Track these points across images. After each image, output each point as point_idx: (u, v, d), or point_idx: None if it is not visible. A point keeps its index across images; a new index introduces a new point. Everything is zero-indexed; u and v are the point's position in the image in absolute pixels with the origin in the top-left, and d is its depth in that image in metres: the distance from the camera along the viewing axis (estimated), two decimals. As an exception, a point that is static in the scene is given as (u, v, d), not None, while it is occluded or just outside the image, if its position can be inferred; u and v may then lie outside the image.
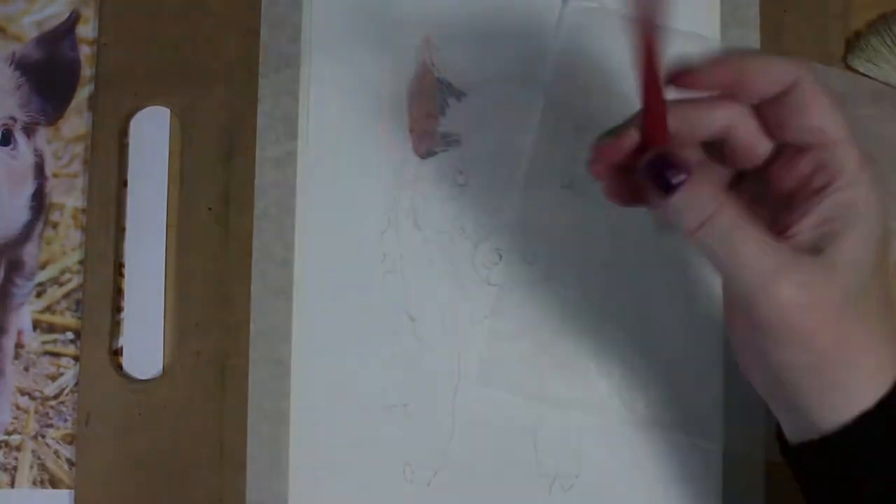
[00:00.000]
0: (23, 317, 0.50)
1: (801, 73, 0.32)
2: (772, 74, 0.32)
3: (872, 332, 0.32)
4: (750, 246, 0.30)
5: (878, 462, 0.32)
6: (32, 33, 0.52)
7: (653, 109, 0.30)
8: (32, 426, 0.49)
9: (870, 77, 0.48)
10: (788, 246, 0.31)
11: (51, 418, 0.49)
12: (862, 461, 0.32)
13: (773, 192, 0.33)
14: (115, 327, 0.49)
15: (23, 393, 0.50)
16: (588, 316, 0.47)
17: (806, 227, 0.32)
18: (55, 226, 0.51)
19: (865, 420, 0.32)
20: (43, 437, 0.49)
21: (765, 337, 0.32)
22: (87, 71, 0.52)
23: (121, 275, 0.50)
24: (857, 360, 0.32)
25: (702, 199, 0.31)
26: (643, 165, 0.31)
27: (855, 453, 0.32)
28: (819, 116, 0.32)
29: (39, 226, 0.51)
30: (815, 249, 0.31)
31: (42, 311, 0.50)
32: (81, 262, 0.50)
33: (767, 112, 0.33)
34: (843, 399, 0.32)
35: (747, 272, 0.31)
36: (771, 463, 0.45)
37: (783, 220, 0.33)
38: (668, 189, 0.30)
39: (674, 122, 0.32)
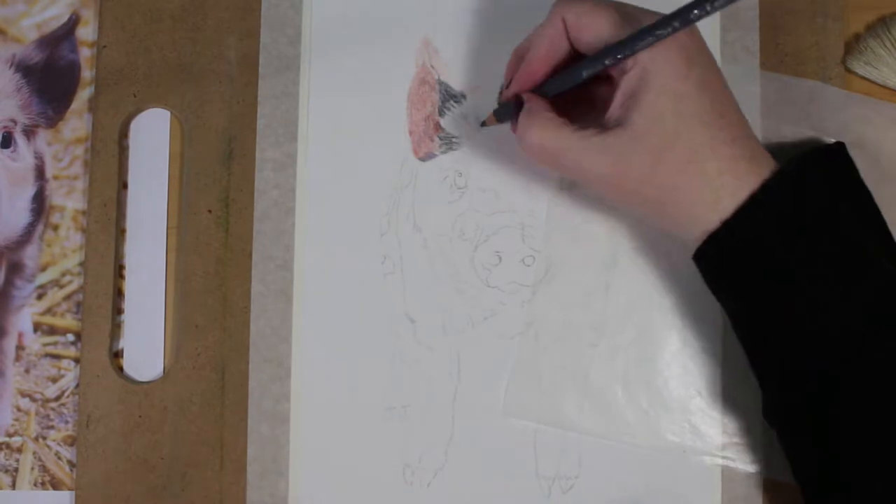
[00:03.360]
0: (23, 319, 0.50)
1: (556, 18, 0.41)
2: (542, 45, 0.42)
3: (703, 165, 0.38)
4: (562, 138, 0.40)
5: (746, 262, 0.38)
6: (32, 36, 0.52)
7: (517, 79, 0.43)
8: (33, 428, 0.49)
9: (869, 80, 0.48)
10: (598, 128, 0.39)
11: (52, 420, 0.49)
12: (733, 263, 0.39)
13: (600, 112, 0.41)
14: (116, 329, 0.49)
15: (24, 395, 0.50)
16: (599, 333, 0.47)
17: (614, 110, 0.39)
18: (56, 228, 0.51)
19: (717, 235, 0.38)
20: (44, 438, 0.49)
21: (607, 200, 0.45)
22: (87, 73, 0.52)
23: (121, 277, 0.50)
24: (687, 196, 0.38)
25: (531, 115, 0.41)
26: (500, 113, 0.45)
27: (720, 258, 0.39)
28: (585, 25, 0.40)
29: (40, 228, 0.51)
30: (623, 123, 0.39)
31: (43, 314, 0.50)
32: (82, 265, 0.50)
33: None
34: (692, 223, 0.39)
35: (566, 160, 0.40)
36: (768, 478, 0.46)
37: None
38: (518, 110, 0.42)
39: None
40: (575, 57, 0.42)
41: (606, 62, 0.39)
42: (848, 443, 0.38)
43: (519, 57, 0.43)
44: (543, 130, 0.40)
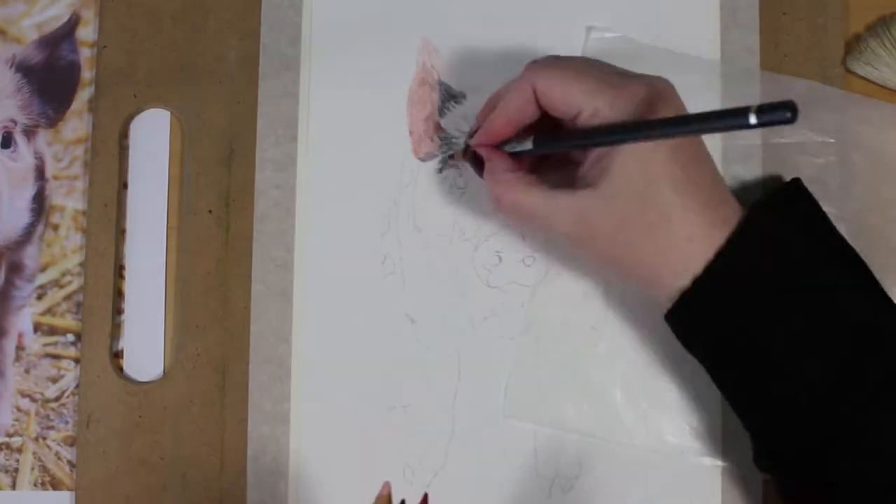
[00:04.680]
0: (23, 319, 0.50)
1: (526, 84, 0.41)
2: (509, 108, 0.42)
3: (671, 230, 0.38)
4: (532, 198, 0.40)
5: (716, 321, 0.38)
6: (33, 36, 0.52)
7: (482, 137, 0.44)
8: (33, 428, 0.49)
9: (869, 80, 0.48)
10: (567, 189, 0.39)
11: (52, 420, 0.50)
12: (705, 321, 0.39)
13: (574, 166, 0.41)
14: (116, 329, 0.49)
15: (24, 395, 0.50)
16: (600, 335, 0.47)
17: (586, 170, 0.39)
18: (56, 228, 0.51)
19: (687, 296, 0.38)
20: (44, 439, 0.49)
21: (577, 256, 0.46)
22: (87, 73, 0.52)
23: (121, 277, 0.50)
24: (653, 259, 0.39)
25: (494, 175, 0.42)
26: (469, 157, 0.46)
27: (691, 317, 0.39)
28: (557, 96, 0.40)
29: (40, 228, 0.51)
30: (593, 184, 0.39)
31: (43, 314, 0.50)
32: (82, 265, 0.50)
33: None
34: (660, 285, 0.39)
35: (535, 219, 0.40)
36: (769, 480, 0.45)
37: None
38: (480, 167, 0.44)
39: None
40: (543, 120, 0.42)
41: (582, 144, 0.40)
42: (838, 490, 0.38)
43: (492, 105, 0.43)
44: (510, 191, 0.41)
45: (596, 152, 0.39)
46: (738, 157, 0.47)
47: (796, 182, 0.41)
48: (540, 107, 0.41)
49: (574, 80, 0.40)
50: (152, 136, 0.51)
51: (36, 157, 0.51)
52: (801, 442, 0.38)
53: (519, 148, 0.42)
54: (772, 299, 0.37)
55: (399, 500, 0.42)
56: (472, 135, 0.45)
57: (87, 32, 0.52)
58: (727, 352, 0.39)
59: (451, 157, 0.48)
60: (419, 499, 0.42)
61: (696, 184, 0.38)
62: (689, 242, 0.38)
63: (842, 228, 0.40)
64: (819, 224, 0.40)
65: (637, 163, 0.38)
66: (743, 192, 0.47)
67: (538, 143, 0.41)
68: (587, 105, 0.39)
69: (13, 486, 0.49)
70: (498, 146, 0.43)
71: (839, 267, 0.39)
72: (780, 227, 0.38)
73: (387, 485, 0.43)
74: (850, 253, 0.39)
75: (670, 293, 0.39)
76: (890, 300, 0.38)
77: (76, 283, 0.50)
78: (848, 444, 0.37)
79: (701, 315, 0.39)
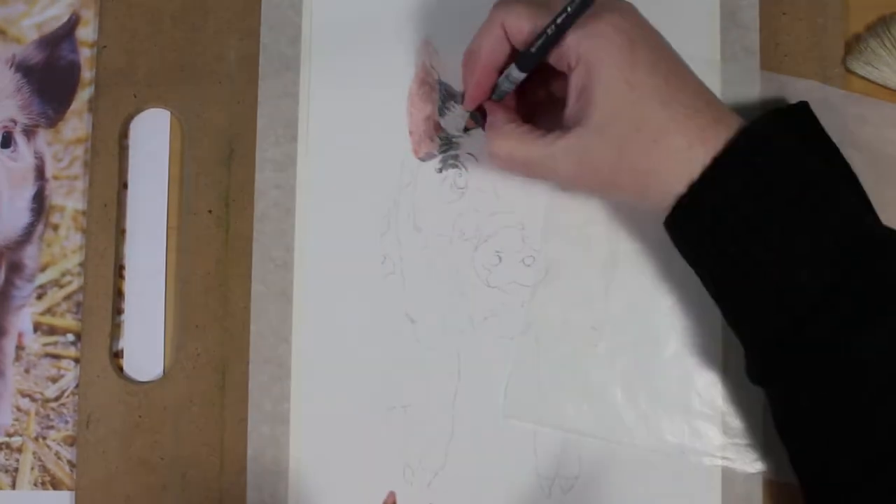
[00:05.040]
0: (23, 319, 0.50)
1: (494, 25, 0.41)
2: (483, 52, 0.42)
3: (670, 142, 0.38)
4: (527, 146, 0.41)
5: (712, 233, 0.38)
6: (32, 36, 0.52)
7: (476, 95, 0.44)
8: (33, 428, 0.49)
9: (869, 80, 0.48)
10: (560, 131, 0.40)
11: (52, 420, 0.50)
12: (703, 225, 0.39)
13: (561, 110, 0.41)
14: (116, 329, 0.49)
15: (23, 395, 0.50)
16: (600, 334, 0.47)
17: (571, 108, 0.40)
18: (56, 228, 0.51)
19: (685, 199, 0.38)
20: (44, 438, 0.49)
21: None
22: (87, 73, 0.52)
23: (121, 277, 0.50)
24: (661, 175, 0.39)
25: (494, 128, 0.43)
26: (476, 122, 0.46)
27: (692, 220, 0.39)
28: (527, 30, 0.40)
29: (40, 228, 0.51)
30: (583, 119, 0.39)
31: (43, 313, 0.50)
32: (82, 265, 0.50)
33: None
34: (662, 191, 0.39)
35: (534, 167, 0.41)
36: (768, 479, 0.46)
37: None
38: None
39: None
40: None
41: (533, 51, 0.40)
42: (818, 401, 0.38)
43: (468, 61, 0.44)
44: (507, 141, 0.41)
45: (574, 89, 0.40)
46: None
47: (804, 103, 0.41)
48: (511, 44, 0.42)
49: (540, 11, 0.40)
50: (152, 136, 0.51)
51: (36, 157, 0.51)
52: (791, 350, 0.38)
53: (508, 85, 0.43)
54: (769, 202, 0.37)
55: None
56: (463, 99, 0.45)
57: (87, 32, 0.52)
58: (723, 255, 0.39)
59: (466, 129, 0.47)
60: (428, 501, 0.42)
61: (682, 91, 0.39)
62: (689, 148, 0.38)
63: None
64: (819, 141, 0.40)
65: (618, 89, 0.38)
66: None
67: (522, 61, 0.41)
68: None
69: (13, 486, 0.49)
70: (491, 98, 0.44)
71: (834, 182, 0.38)
72: (782, 137, 0.38)
73: (392, 494, 0.43)
74: (851, 175, 0.40)
75: (672, 201, 0.39)
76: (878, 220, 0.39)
77: (76, 283, 0.50)
78: (834, 354, 0.37)
79: (699, 218, 0.39)
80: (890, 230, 0.38)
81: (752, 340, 0.40)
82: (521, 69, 0.41)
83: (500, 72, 0.43)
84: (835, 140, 0.41)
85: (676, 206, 0.39)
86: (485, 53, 0.42)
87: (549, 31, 0.39)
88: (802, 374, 0.38)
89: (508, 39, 0.41)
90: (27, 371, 0.50)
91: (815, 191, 0.37)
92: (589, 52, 0.38)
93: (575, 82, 0.40)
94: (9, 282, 0.50)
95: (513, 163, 0.42)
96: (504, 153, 0.42)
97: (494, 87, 0.43)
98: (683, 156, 0.38)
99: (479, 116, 0.45)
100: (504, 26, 0.41)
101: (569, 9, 0.38)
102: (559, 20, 0.39)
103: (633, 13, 0.40)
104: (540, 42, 0.40)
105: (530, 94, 0.45)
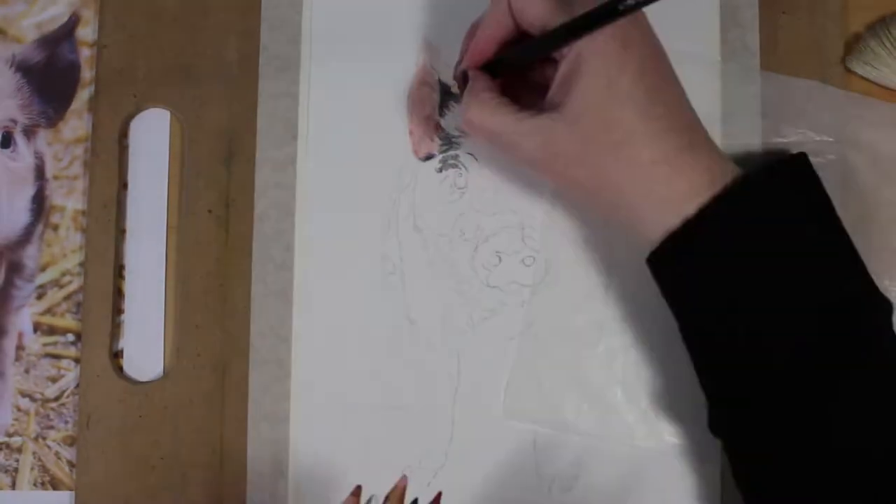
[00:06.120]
0: (23, 319, 0.50)
1: (501, 1, 0.41)
2: (488, 24, 0.42)
3: (634, 151, 0.38)
4: (499, 117, 0.41)
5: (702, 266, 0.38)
6: (32, 35, 0.52)
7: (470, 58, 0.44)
8: (33, 428, 0.49)
9: (868, 80, 0.48)
10: (535, 110, 0.40)
11: (51, 420, 0.50)
12: (692, 265, 0.39)
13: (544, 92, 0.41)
14: (116, 329, 0.49)
15: (23, 395, 0.50)
16: (602, 334, 0.47)
17: (552, 93, 0.40)
18: (55, 228, 0.51)
19: (678, 235, 0.38)
20: (44, 438, 0.49)
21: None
22: (87, 73, 0.52)
23: (121, 277, 0.50)
24: (618, 180, 0.39)
25: (472, 91, 0.42)
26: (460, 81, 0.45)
27: (675, 262, 0.39)
28: (530, 12, 0.40)
29: (40, 228, 0.51)
30: (558, 106, 0.39)
31: (43, 313, 0.50)
32: (82, 265, 0.50)
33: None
34: (639, 216, 0.39)
35: (501, 140, 0.41)
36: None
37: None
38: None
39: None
40: (521, 36, 0.42)
41: (540, 50, 0.40)
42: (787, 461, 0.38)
43: (473, 31, 0.44)
44: (482, 109, 0.41)
45: (561, 75, 0.40)
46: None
47: (802, 155, 0.41)
48: (516, 24, 0.42)
49: None
50: (152, 136, 0.51)
51: (36, 157, 0.51)
52: (757, 410, 0.38)
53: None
54: (760, 254, 0.37)
55: (412, 500, 0.42)
56: (459, 63, 0.45)
57: (87, 32, 0.52)
58: (704, 299, 0.39)
59: (449, 90, 0.48)
60: (432, 496, 0.42)
61: (661, 106, 0.39)
62: (652, 164, 0.38)
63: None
64: (815, 195, 0.40)
65: (599, 84, 0.38)
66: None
67: (506, 59, 0.42)
68: (550, 21, 0.40)
69: (13, 486, 0.49)
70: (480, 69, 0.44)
71: (833, 243, 0.38)
72: (783, 189, 0.38)
73: (405, 478, 0.43)
74: (843, 234, 0.39)
75: (658, 228, 0.39)
76: (870, 280, 0.39)
77: (76, 283, 0.50)
78: (802, 419, 0.37)
79: (689, 257, 0.39)
80: (871, 294, 0.38)
81: (720, 393, 0.40)
82: (522, 61, 0.42)
83: (500, 45, 0.43)
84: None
85: (667, 240, 0.39)
86: (490, 26, 0.42)
87: (556, 42, 0.39)
88: (762, 433, 0.38)
89: (513, 16, 0.41)
90: (27, 371, 0.50)
91: (793, 258, 0.37)
92: (584, 43, 0.38)
93: (563, 69, 0.40)
94: (9, 282, 0.50)
95: (482, 131, 0.42)
96: (477, 120, 0.41)
97: (492, 60, 0.43)
98: (645, 170, 0.38)
99: (464, 82, 0.45)
100: (510, 5, 0.41)
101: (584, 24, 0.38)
102: (571, 34, 0.39)
103: (645, 24, 0.40)
104: (545, 45, 0.40)
105: (520, 75, 0.45)
